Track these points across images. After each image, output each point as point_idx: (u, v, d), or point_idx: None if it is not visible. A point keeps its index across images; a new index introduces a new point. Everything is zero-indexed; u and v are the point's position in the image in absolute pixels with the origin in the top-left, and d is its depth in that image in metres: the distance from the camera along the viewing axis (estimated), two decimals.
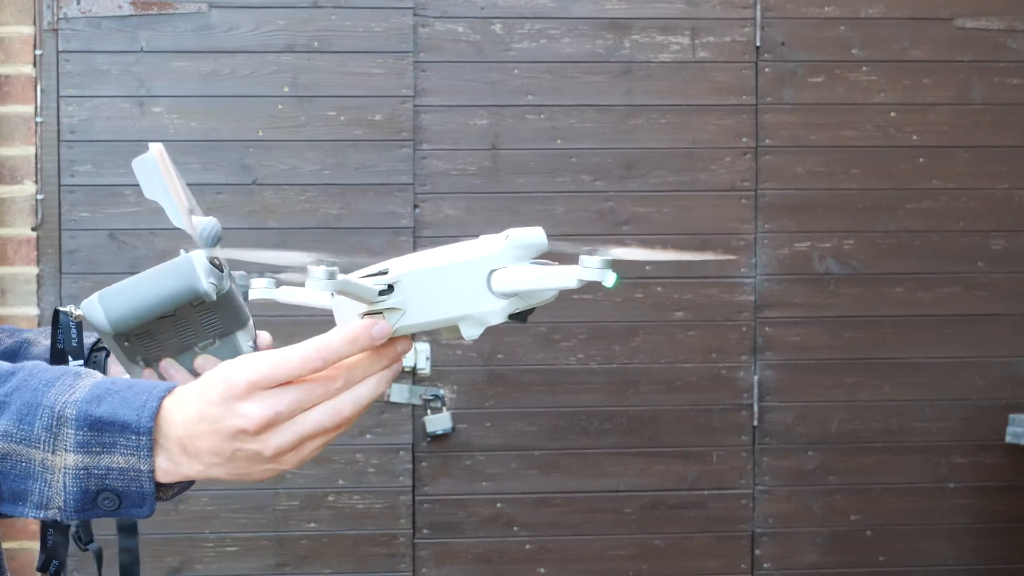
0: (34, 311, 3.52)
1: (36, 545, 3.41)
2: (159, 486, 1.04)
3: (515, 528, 3.65)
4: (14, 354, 1.50)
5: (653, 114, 3.67)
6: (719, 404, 3.70)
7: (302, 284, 1.06)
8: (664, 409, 3.68)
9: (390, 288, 1.02)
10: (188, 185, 1.27)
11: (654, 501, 3.69)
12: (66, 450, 1.01)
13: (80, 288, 3.50)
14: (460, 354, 3.62)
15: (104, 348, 1.44)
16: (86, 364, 1.42)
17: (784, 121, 3.70)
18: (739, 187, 3.69)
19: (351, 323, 1.02)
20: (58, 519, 1.05)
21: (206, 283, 1.26)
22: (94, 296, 1.29)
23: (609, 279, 0.98)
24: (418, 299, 1.02)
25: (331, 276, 0.96)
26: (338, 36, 3.59)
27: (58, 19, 3.51)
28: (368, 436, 3.60)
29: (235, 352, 1.32)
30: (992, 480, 3.77)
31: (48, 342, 1.42)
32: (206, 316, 1.29)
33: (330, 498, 3.61)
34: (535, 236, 1.01)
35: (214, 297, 1.27)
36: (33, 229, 3.53)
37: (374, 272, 1.04)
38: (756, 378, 3.70)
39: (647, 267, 3.66)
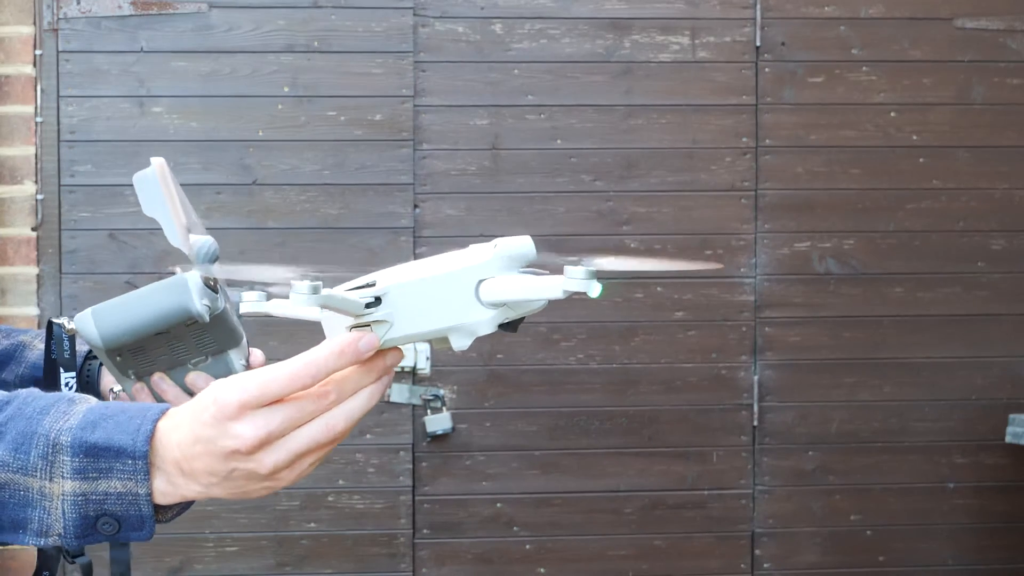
0: (34, 311, 3.52)
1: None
2: (158, 508, 1.04)
3: (515, 528, 3.65)
4: (9, 357, 1.50)
5: (653, 114, 3.67)
6: (719, 404, 3.70)
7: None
8: (664, 409, 3.68)
9: (377, 300, 1.01)
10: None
11: (654, 501, 3.69)
12: (63, 477, 1.02)
13: (80, 288, 3.50)
14: (460, 354, 3.62)
15: (97, 358, 1.45)
16: (79, 374, 1.43)
17: (784, 121, 3.70)
18: (739, 187, 3.69)
19: (338, 337, 1.01)
20: (59, 546, 1.05)
21: (199, 304, 1.26)
22: (87, 311, 1.29)
23: (594, 290, 0.97)
24: (406, 311, 1.01)
25: (315, 291, 0.95)
26: (338, 36, 3.59)
27: (58, 19, 3.51)
28: (368, 436, 3.60)
29: (227, 370, 1.32)
30: (992, 480, 3.77)
31: (43, 346, 1.43)
32: (199, 335, 1.29)
33: (330, 498, 3.61)
34: (523, 245, 1.01)
35: (207, 319, 1.27)
36: (33, 229, 3.53)
37: (361, 284, 1.03)
38: (756, 378, 3.70)
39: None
